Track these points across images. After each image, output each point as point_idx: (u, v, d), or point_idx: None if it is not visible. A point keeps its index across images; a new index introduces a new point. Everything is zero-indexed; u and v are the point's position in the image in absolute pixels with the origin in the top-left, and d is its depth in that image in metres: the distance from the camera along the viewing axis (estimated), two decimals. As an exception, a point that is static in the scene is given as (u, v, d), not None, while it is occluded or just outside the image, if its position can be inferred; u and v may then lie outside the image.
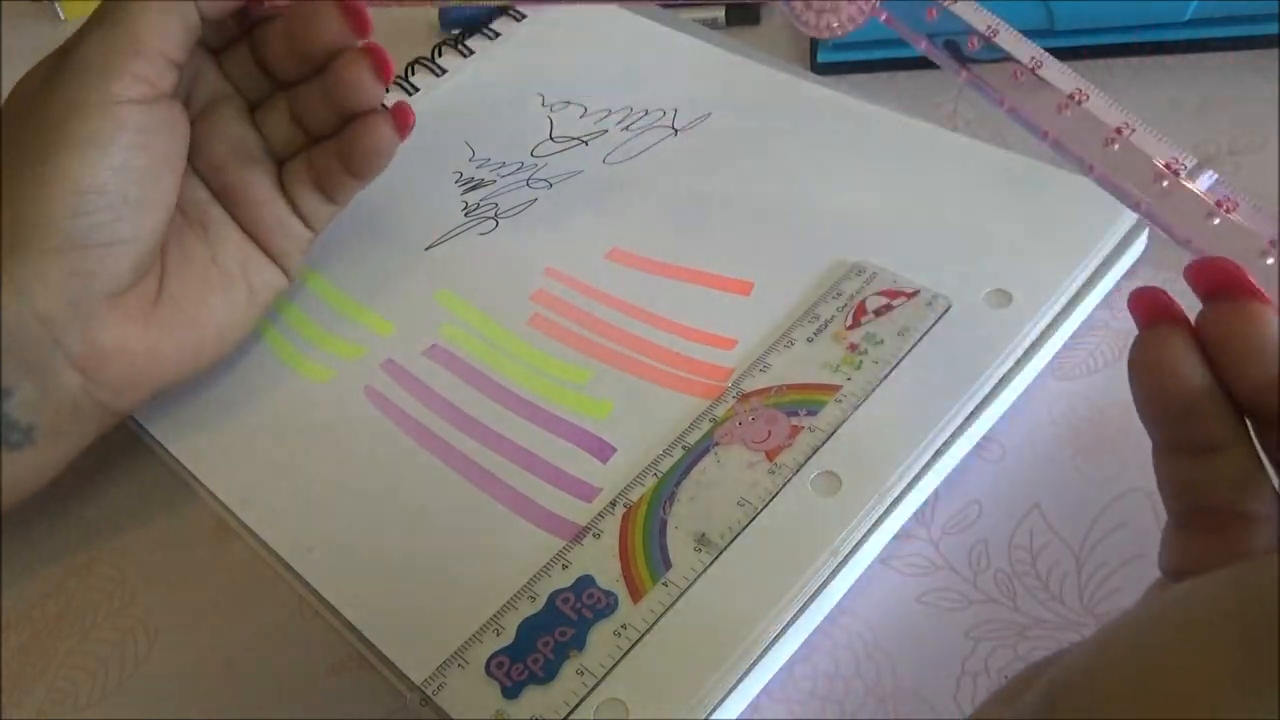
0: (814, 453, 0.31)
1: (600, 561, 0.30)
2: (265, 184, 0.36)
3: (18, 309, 0.29)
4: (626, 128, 0.43)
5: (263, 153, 0.36)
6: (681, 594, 0.29)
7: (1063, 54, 0.45)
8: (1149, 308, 0.23)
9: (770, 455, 0.31)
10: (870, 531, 0.30)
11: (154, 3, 0.31)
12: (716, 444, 0.32)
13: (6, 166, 0.30)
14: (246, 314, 0.36)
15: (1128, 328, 0.27)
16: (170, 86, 0.32)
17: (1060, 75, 0.29)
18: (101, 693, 0.32)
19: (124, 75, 0.30)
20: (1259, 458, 0.22)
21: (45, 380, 0.30)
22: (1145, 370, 0.23)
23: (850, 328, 0.34)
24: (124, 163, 0.30)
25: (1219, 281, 0.22)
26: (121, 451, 0.37)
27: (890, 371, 0.33)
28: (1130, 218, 0.35)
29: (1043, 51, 0.30)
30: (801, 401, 0.33)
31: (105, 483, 0.37)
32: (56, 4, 0.58)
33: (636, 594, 0.29)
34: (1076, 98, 0.29)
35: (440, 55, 0.48)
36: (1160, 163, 0.28)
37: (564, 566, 0.30)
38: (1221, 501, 0.22)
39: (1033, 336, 0.33)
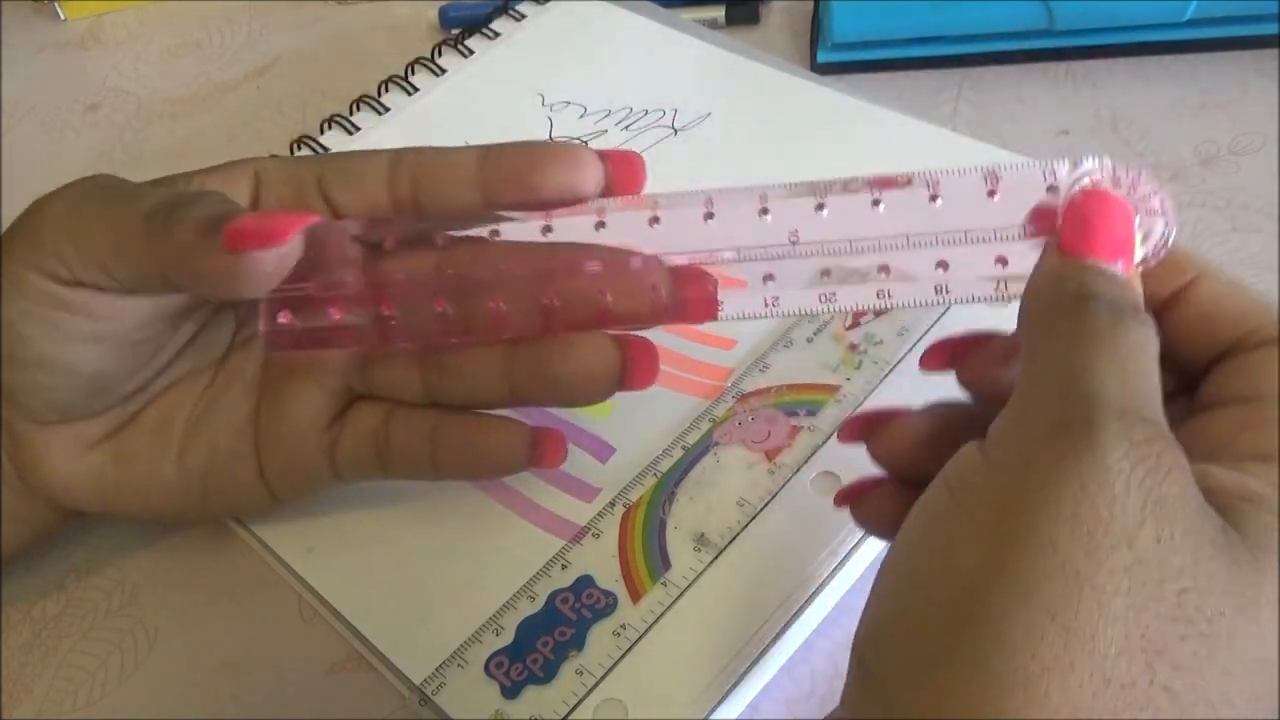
0: (814, 453, 0.31)
1: (600, 561, 0.30)
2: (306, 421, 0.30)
3: None
4: (626, 128, 0.43)
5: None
6: (681, 594, 0.29)
7: (1063, 54, 0.45)
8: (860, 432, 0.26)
9: (770, 455, 0.31)
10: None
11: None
12: (716, 444, 0.32)
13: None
14: (201, 516, 0.32)
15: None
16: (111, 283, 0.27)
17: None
18: (101, 693, 0.32)
19: (51, 260, 0.27)
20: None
21: None
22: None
23: (850, 328, 0.34)
24: (23, 321, 0.27)
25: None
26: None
27: (890, 371, 0.33)
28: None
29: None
30: (801, 401, 0.33)
31: (105, 483, 0.37)
32: (56, 4, 0.58)
33: (636, 594, 0.29)
34: None
35: (440, 55, 0.48)
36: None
37: (563, 566, 0.30)
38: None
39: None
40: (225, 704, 0.31)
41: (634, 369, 0.28)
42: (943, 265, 0.25)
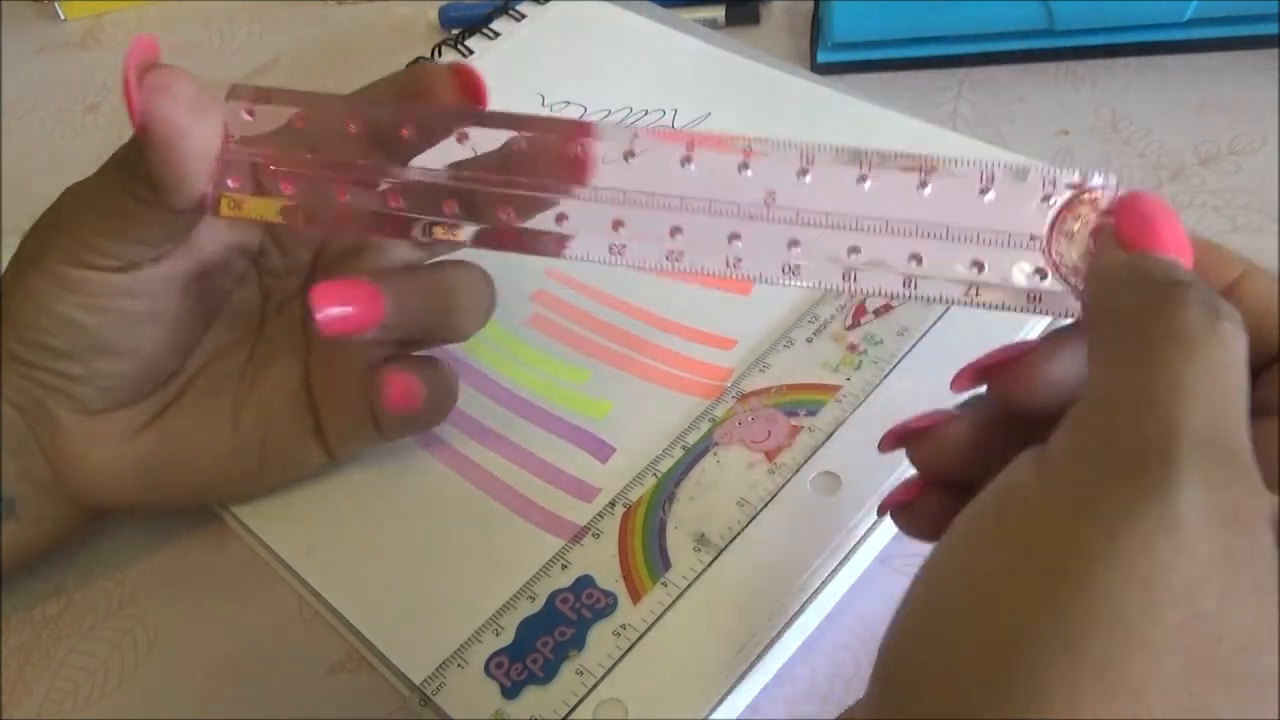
0: (814, 453, 0.31)
1: (600, 562, 0.30)
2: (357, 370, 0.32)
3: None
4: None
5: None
6: (681, 594, 0.29)
7: (1063, 54, 0.45)
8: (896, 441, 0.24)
9: (770, 455, 0.31)
10: (870, 531, 0.30)
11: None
12: (716, 444, 0.32)
13: (29, 245, 0.29)
14: (257, 486, 0.33)
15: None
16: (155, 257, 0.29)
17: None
18: (101, 693, 0.32)
19: (89, 251, 0.28)
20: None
21: (23, 460, 0.30)
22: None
23: (850, 328, 0.34)
24: (83, 313, 0.28)
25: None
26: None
27: (890, 371, 0.33)
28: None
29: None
30: (801, 401, 0.33)
31: (105, 483, 0.37)
32: (56, 4, 0.58)
33: (636, 594, 0.29)
34: None
35: (440, 55, 0.48)
36: None
37: (563, 566, 0.30)
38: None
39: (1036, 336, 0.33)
40: (225, 704, 0.31)
41: None
42: (916, 259, 0.24)
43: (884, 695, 0.19)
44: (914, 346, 0.33)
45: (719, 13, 0.50)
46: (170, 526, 0.35)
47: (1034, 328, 0.33)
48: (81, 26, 0.58)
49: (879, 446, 0.25)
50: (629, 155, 0.25)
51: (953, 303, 0.24)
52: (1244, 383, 0.18)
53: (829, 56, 0.47)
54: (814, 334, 0.34)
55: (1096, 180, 0.23)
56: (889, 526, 0.30)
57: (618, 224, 0.26)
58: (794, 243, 0.25)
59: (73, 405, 0.30)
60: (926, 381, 0.32)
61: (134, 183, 0.27)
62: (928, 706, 0.18)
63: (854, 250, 0.24)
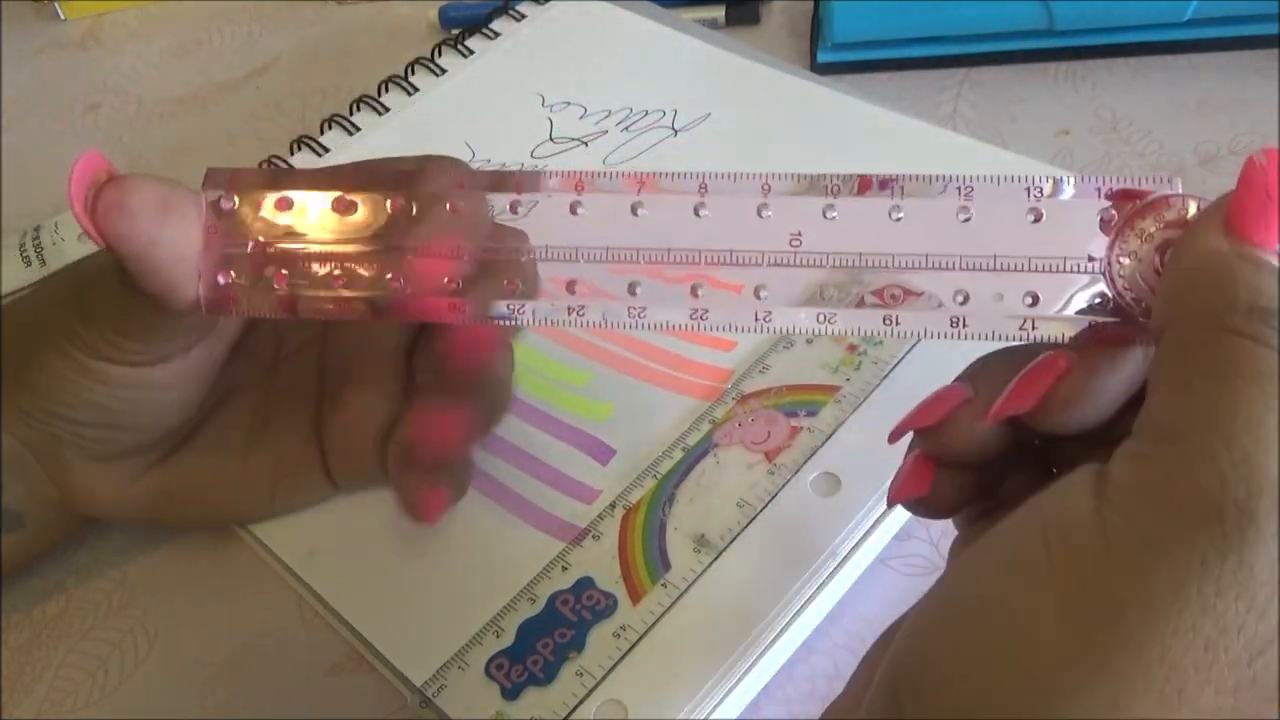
0: (813, 453, 0.31)
1: (600, 563, 0.30)
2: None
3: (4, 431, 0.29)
4: (626, 128, 0.43)
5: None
6: (681, 595, 0.29)
7: (1063, 54, 0.45)
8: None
9: (770, 456, 0.31)
10: (870, 531, 0.30)
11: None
12: (716, 445, 0.32)
13: (47, 316, 0.28)
14: (265, 513, 0.33)
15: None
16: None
17: None
18: (101, 693, 0.32)
19: (108, 347, 0.27)
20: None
21: (30, 484, 0.30)
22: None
23: (850, 328, 0.34)
24: (110, 400, 0.28)
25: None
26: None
27: (890, 372, 0.33)
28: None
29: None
30: (801, 402, 0.33)
31: (105, 483, 0.37)
32: (56, 4, 0.58)
33: (636, 595, 0.29)
34: None
35: (440, 55, 0.48)
36: None
37: (564, 568, 0.30)
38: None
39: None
40: (225, 704, 0.31)
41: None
42: (962, 295, 0.22)
43: (899, 707, 0.18)
44: (913, 347, 0.33)
45: (719, 13, 0.50)
46: (173, 530, 0.35)
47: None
48: (81, 26, 0.58)
49: (889, 439, 0.23)
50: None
51: (1009, 339, 0.22)
52: None
53: (829, 56, 0.47)
54: (813, 336, 0.34)
55: (1165, 189, 0.20)
56: (889, 526, 0.31)
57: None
58: (824, 288, 0.23)
59: (83, 455, 0.30)
60: (926, 382, 0.32)
61: (136, 292, 0.25)
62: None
63: (893, 293, 0.23)
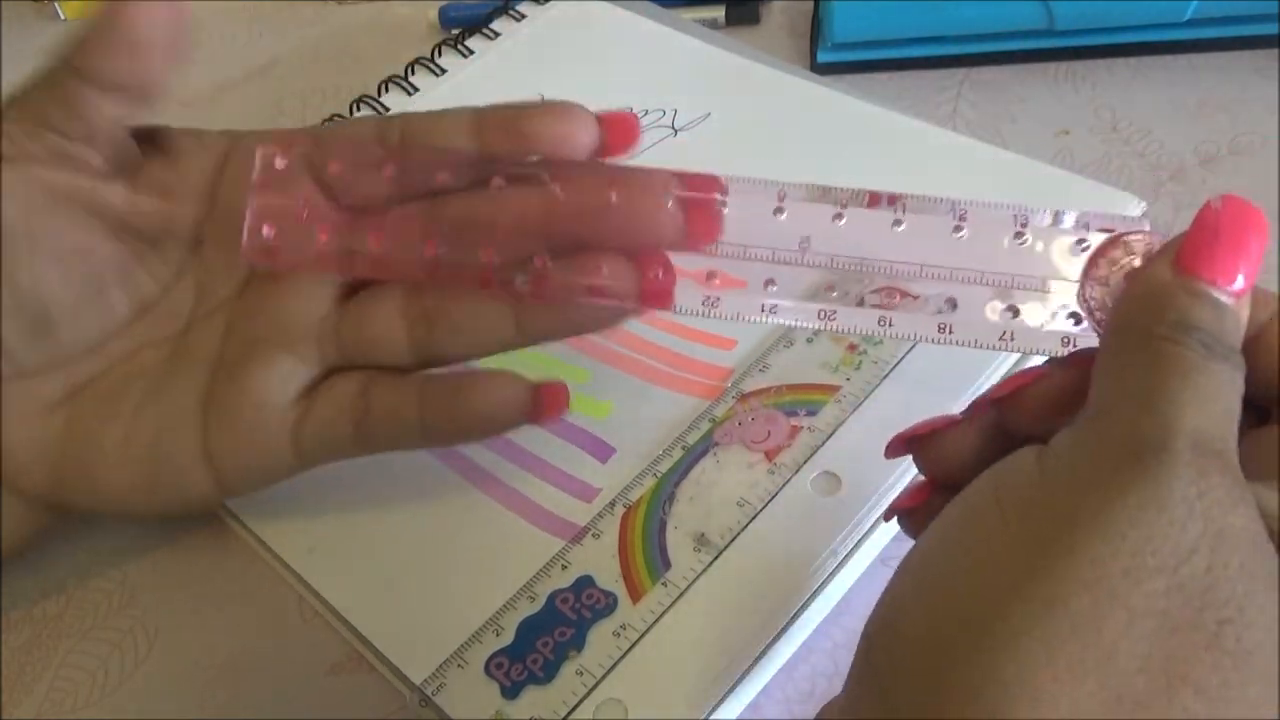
0: (814, 453, 0.31)
1: (600, 562, 0.30)
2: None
3: None
4: (626, 128, 0.43)
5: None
6: (681, 594, 0.29)
7: (1063, 54, 0.45)
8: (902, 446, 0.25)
9: (770, 455, 0.31)
10: (870, 531, 0.30)
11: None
12: (716, 444, 0.32)
13: None
14: (148, 504, 0.30)
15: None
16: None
17: None
18: (101, 693, 0.32)
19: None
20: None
21: None
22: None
23: (850, 328, 0.34)
24: None
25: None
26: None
27: (890, 371, 0.33)
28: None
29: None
30: (801, 401, 0.33)
31: (105, 483, 0.37)
32: (56, 4, 0.58)
33: (636, 594, 0.29)
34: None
35: (440, 55, 0.48)
36: None
37: (563, 567, 0.30)
38: None
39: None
40: (225, 704, 0.31)
41: (543, 405, 0.29)
42: (951, 303, 0.25)
43: (861, 672, 0.20)
44: (913, 347, 0.33)
45: (719, 13, 0.50)
46: (170, 526, 0.35)
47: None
48: (81, 26, 0.58)
49: (885, 453, 0.25)
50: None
51: (989, 348, 0.25)
52: (1235, 410, 0.19)
53: (829, 56, 0.47)
54: (814, 334, 0.34)
55: (1133, 224, 0.23)
56: (889, 526, 0.30)
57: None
58: (830, 287, 0.26)
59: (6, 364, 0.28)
60: (926, 382, 0.32)
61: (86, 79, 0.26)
62: (905, 667, 0.19)
63: (888, 296, 0.25)
